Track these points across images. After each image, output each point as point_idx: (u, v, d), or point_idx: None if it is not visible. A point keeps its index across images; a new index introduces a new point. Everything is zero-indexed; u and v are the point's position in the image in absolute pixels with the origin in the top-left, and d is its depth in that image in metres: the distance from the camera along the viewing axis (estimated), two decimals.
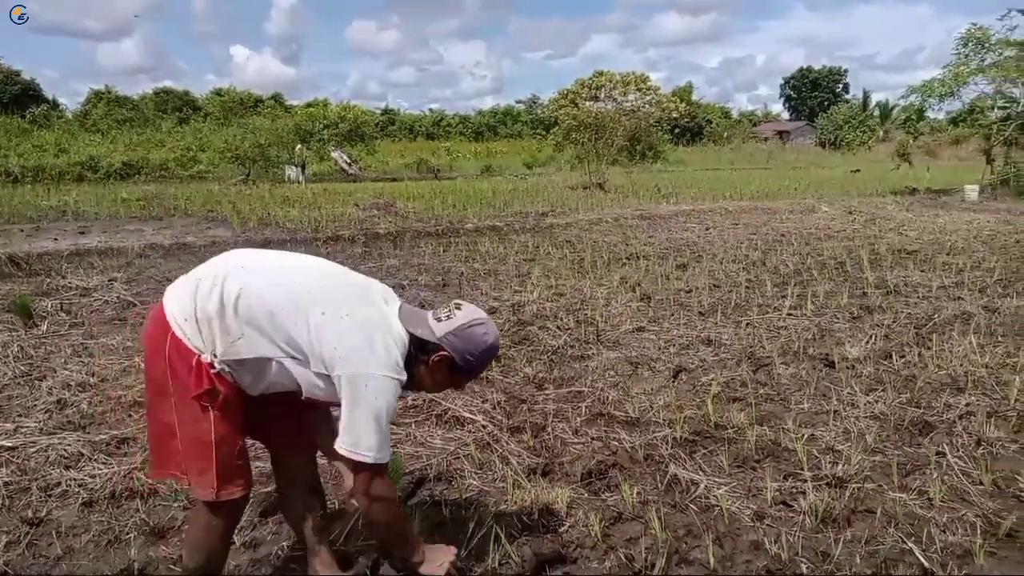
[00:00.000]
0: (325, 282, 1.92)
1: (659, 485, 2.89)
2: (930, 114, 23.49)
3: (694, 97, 56.20)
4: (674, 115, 31.75)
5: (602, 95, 30.92)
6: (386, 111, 55.74)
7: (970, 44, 18.04)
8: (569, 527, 2.58)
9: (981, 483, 2.85)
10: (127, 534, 2.56)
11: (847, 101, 63.74)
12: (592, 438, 3.36)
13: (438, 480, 2.98)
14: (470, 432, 3.44)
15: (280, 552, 2.48)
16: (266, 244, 9.60)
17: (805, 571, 2.28)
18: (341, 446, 1.82)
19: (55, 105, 43.09)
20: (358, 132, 34.75)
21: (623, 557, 2.37)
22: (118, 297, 6.35)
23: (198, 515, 1.98)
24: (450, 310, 1.96)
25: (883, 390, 3.88)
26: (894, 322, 5.31)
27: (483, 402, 3.76)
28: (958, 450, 3.15)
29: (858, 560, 2.34)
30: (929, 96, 18.60)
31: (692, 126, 51.03)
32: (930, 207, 14.71)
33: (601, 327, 5.26)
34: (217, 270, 1.90)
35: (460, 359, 1.92)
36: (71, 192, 17.43)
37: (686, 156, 41.76)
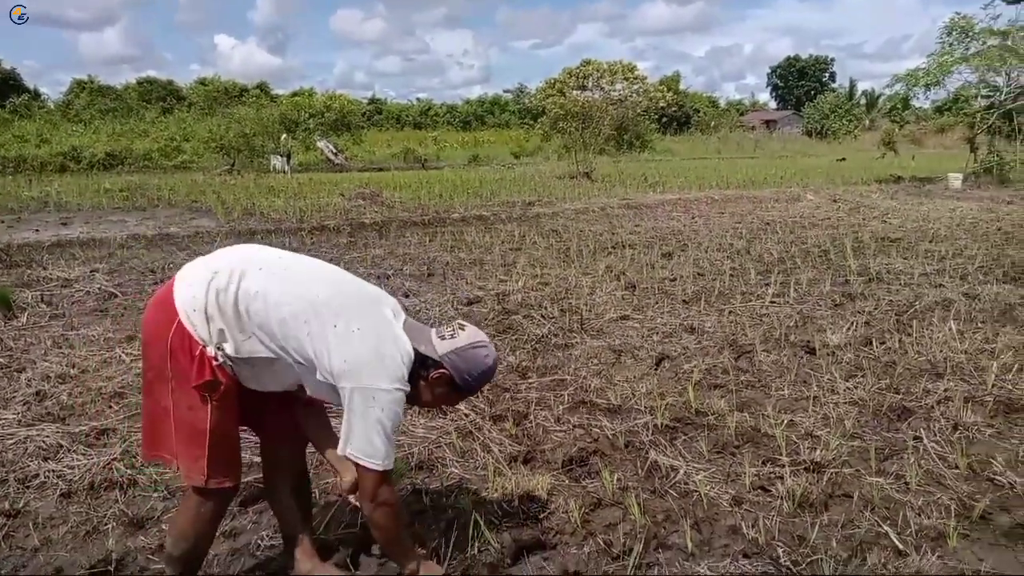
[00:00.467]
0: (339, 294, 1.92)
1: (639, 471, 2.91)
2: (916, 103, 23.66)
3: (681, 86, 56.17)
4: (661, 104, 31.81)
5: (589, 84, 30.91)
6: (373, 100, 55.31)
7: (954, 33, 18.15)
8: (549, 514, 2.59)
9: (957, 467, 2.89)
10: (105, 525, 2.55)
11: (833, 90, 63.93)
12: (574, 426, 3.37)
13: (419, 469, 2.98)
14: (452, 421, 3.44)
15: (260, 541, 2.47)
16: (251, 235, 9.54)
17: (781, 555, 2.30)
18: (349, 452, 1.85)
19: (37, 95, 42.45)
20: (344, 122, 34.54)
21: (602, 542, 2.39)
22: (99, 288, 6.29)
23: (187, 503, 1.99)
24: (454, 330, 1.99)
25: (863, 376, 3.92)
26: (875, 309, 5.35)
27: None
28: (935, 435, 3.18)
29: (834, 543, 2.37)
30: (914, 85, 18.73)
31: (679, 115, 50.99)
32: (914, 195, 14.83)
33: (585, 316, 5.27)
34: (234, 265, 1.89)
35: (459, 378, 1.95)
36: (53, 183, 17.26)
37: (673, 145, 41.82)
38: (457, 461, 3.04)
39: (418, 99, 59.45)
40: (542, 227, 10.33)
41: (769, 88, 77.25)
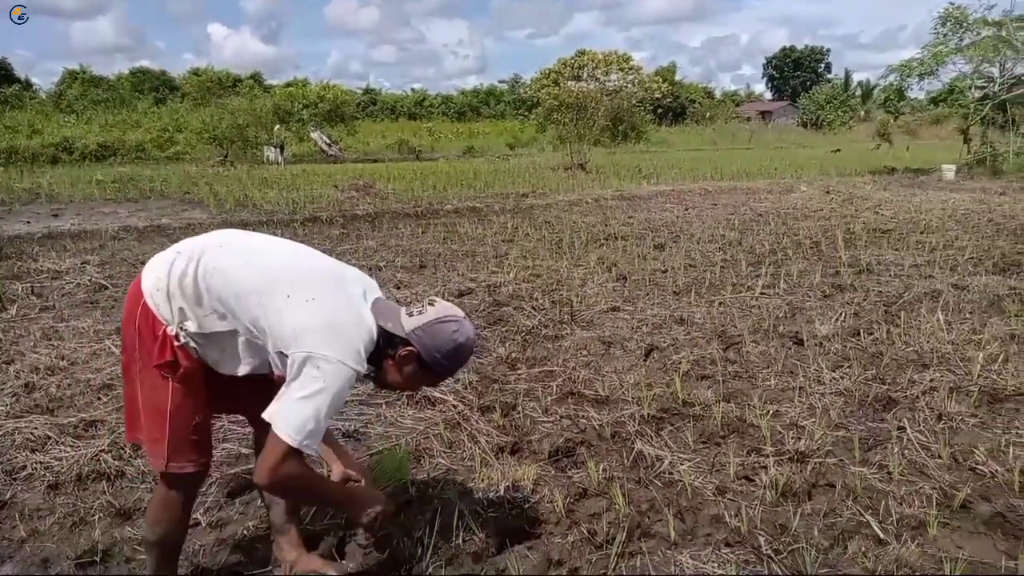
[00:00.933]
0: (300, 267, 1.91)
1: (625, 462, 2.93)
2: (911, 94, 23.64)
3: (677, 77, 56.06)
4: (657, 95, 31.65)
5: (584, 75, 30.75)
6: (367, 91, 55.11)
7: (948, 23, 18.12)
8: (534, 503, 2.61)
9: (940, 457, 2.91)
10: (92, 515, 2.56)
11: (829, 81, 63.94)
12: (561, 416, 3.39)
13: (396, 453, 2.99)
14: (441, 412, 3.45)
15: (246, 532, 2.49)
16: (244, 226, 9.50)
17: (763, 543, 2.32)
18: (270, 414, 1.76)
19: (28, 85, 42.20)
20: (338, 112, 34.35)
21: (585, 532, 2.41)
22: (90, 280, 6.28)
23: (158, 488, 2.01)
24: (423, 306, 1.91)
25: (849, 367, 3.94)
26: (864, 300, 5.38)
27: (455, 382, 3.77)
28: (919, 425, 3.21)
29: (816, 532, 2.39)
30: (908, 76, 18.73)
31: (675, 106, 50.92)
32: (907, 187, 14.85)
33: (576, 307, 5.28)
34: (196, 245, 1.92)
35: (427, 355, 1.86)
36: (45, 174, 17.12)
37: (669, 136, 41.75)
38: (444, 452, 3.06)
39: (413, 89, 59.22)
40: (535, 219, 10.32)
41: (765, 79, 77.35)
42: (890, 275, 6.27)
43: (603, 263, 6.90)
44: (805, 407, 3.43)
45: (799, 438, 3.07)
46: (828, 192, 13.61)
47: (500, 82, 59.23)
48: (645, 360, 4.17)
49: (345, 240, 8.58)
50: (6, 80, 40.42)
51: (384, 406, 3.54)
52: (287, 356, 1.78)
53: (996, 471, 2.76)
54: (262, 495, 2.34)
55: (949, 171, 16.81)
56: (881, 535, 2.36)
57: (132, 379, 1.92)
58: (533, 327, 4.80)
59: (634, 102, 33.00)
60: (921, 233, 8.50)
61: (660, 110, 46.80)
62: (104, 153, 25.53)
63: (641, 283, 6.05)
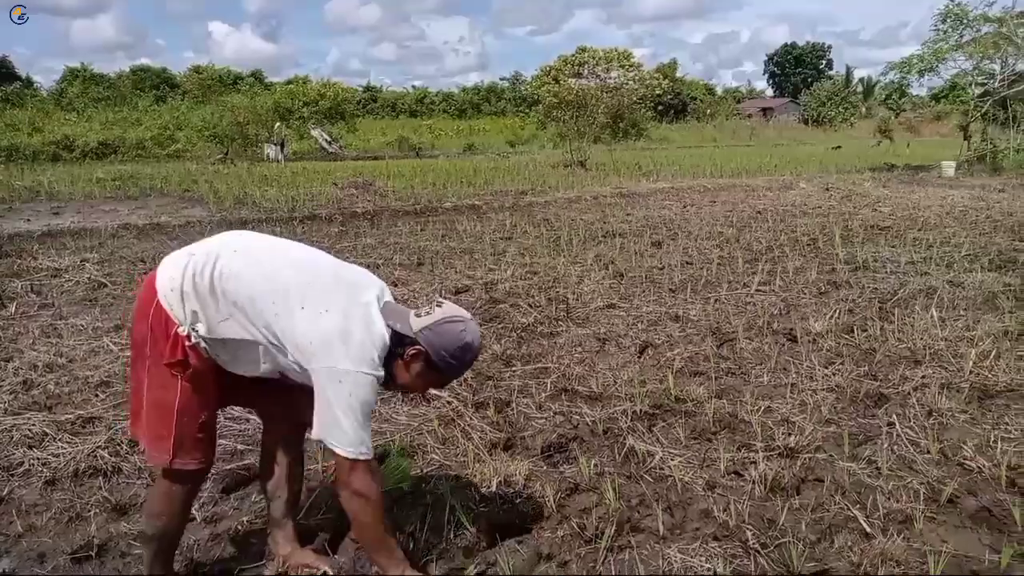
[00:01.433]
0: (314, 276, 1.94)
1: (616, 457, 2.95)
2: (912, 90, 23.64)
3: (678, 73, 55.98)
4: (657, 92, 31.70)
5: (585, 72, 30.78)
6: (368, 88, 55.06)
7: (949, 20, 18.09)
8: (526, 499, 2.63)
9: (928, 452, 2.94)
10: (89, 511, 2.59)
11: (830, 78, 63.77)
12: (555, 413, 3.42)
13: (400, 455, 3.02)
14: (435, 408, 3.48)
15: (240, 527, 2.51)
16: (243, 224, 9.53)
17: (750, 537, 2.35)
18: (320, 436, 1.85)
19: (29, 83, 42.26)
20: (339, 110, 34.35)
21: (576, 526, 2.43)
22: (89, 278, 6.31)
23: (159, 483, 2.03)
24: (430, 307, 1.95)
25: (842, 363, 3.97)
26: (859, 297, 5.40)
27: None
28: (909, 421, 3.23)
29: (803, 527, 2.42)
30: (908, 73, 18.71)
31: (676, 103, 50.87)
32: (907, 183, 14.86)
33: (572, 304, 5.31)
34: (212, 247, 1.95)
35: (435, 355, 1.90)
36: (45, 172, 17.17)
37: (670, 133, 41.69)
38: (438, 448, 3.08)
39: (413, 87, 59.28)
40: (534, 216, 10.35)
41: (766, 76, 77.20)
42: (886, 272, 6.29)
43: (600, 260, 6.93)
44: (797, 403, 3.45)
45: (790, 434, 3.09)
46: (827, 189, 13.62)
47: (501, 79, 59.19)
48: (639, 357, 4.20)
49: (344, 238, 8.61)
50: (7, 78, 40.47)
51: (378, 403, 3.55)
52: (307, 368, 1.85)
53: (984, 466, 2.78)
54: (264, 489, 2.33)
55: (949, 168, 16.81)
56: (867, 529, 2.39)
57: (139, 375, 1.94)
58: (529, 324, 4.83)
59: (635, 99, 33.04)
60: (919, 230, 8.52)
61: (661, 107, 46.79)
62: (104, 151, 25.59)
63: (638, 280, 6.08)
